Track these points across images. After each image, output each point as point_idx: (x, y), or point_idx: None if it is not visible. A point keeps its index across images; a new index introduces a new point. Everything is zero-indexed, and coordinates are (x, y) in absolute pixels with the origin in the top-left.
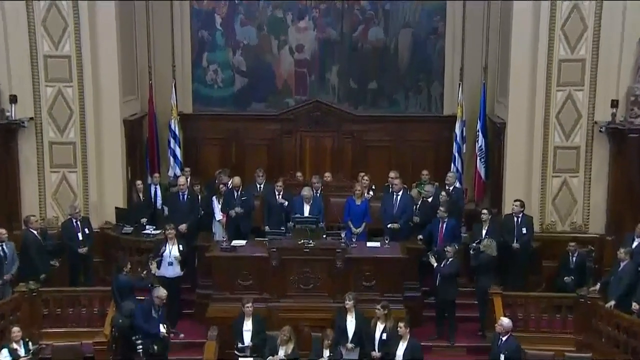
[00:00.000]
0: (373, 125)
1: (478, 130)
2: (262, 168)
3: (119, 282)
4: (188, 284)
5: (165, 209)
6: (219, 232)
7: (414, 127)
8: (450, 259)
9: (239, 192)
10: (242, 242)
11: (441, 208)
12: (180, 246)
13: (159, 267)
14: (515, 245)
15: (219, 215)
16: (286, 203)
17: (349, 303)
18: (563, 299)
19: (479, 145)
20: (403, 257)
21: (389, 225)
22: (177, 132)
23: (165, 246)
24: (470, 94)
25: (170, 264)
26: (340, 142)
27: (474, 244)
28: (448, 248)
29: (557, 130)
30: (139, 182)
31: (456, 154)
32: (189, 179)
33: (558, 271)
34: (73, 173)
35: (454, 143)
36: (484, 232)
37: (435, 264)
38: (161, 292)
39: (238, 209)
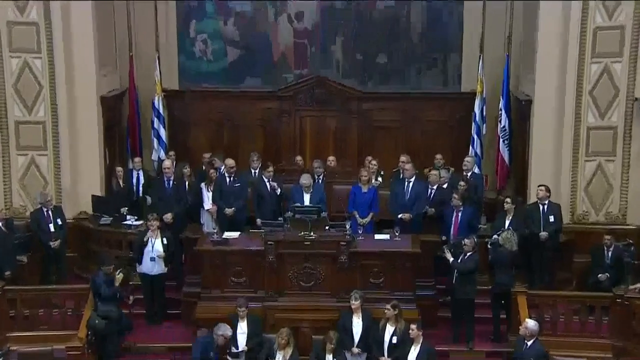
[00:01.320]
0: (382, 104)
1: (500, 109)
2: (258, 152)
3: (96, 285)
4: (174, 282)
5: (148, 197)
6: (208, 223)
7: (427, 105)
8: (468, 254)
9: (232, 178)
10: (235, 234)
11: (455, 196)
12: (165, 239)
13: (140, 262)
14: (543, 234)
15: (208, 204)
16: (279, 190)
17: (354, 302)
18: (597, 298)
19: (502, 125)
20: (415, 251)
21: (399, 216)
22: (161, 111)
23: (148, 239)
24: (491, 68)
25: (153, 259)
26: (345, 122)
27: (492, 237)
28: (466, 241)
29: (591, 108)
30: (118, 168)
31: (475, 136)
32: (174, 163)
33: (591, 267)
34: (43, 156)
35: (473, 123)
36: (507, 223)
37: (451, 259)
38: (227, 331)
39: (233, 209)
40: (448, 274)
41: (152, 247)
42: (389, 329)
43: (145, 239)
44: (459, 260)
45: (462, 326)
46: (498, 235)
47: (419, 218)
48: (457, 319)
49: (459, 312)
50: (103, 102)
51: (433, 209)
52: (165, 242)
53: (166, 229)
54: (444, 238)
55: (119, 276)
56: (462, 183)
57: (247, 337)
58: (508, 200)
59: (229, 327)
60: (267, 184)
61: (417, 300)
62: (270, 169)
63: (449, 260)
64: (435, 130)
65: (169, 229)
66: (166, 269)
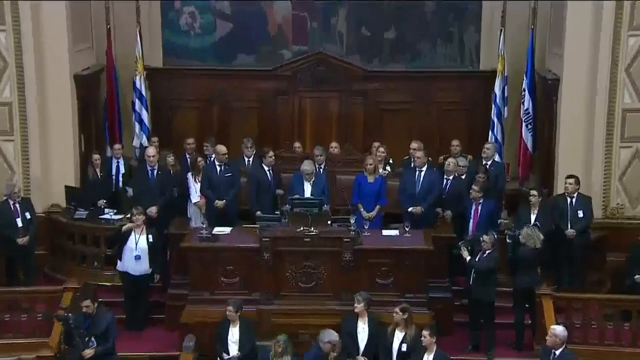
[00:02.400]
0: (390, 84)
1: (524, 89)
2: (252, 138)
3: (68, 326)
4: (158, 282)
5: (129, 188)
6: (196, 217)
7: (442, 85)
8: (488, 251)
9: (223, 167)
10: (226, 230)
11: (474, 187)
12: (150, 236)
13: (120, 258)
14: (570, 231)
15: (195, 196)
16: (282, 192)
17: (359, 306)
18: (634, 302)
19: (525, 108)
20: (428, 248)
21: (409, 209)
22: (143, 92)
23: (131, 235)
24: (514, 43)
25: (138, 257)
26: (349, 104)
27: (512, 233)
28: (485, 237)
29: (627, 88)
30: (95, 155)
31: (495, 120)
32: (158, 151)
33: (627, 267)
34: (9, 142)
35: (493, 105)
36: (532, 217)
37: (468, 257)
38: (333, 337)
39: (224, 202)
40: (465, 274)
41: (136, 244)
42: (398, 336)
43: (124, 233)
44: (477, 259)
45: (480, 333)
46: (517, 231)
47: (431, 212)
48: (475, 324)
49: (477, 316)
50: (77, 81)
51: (450, 212)
52: (150, 239)
53: (151, 225)
54: (455, 236)
55: (88, 309)
56: (481, 174)
57: (239, 344)
58: (534, 193)
59: (334, 332)
60: (267, 173)
61: (430, 303)
62: (271, 154)
63: (465, 259)
64: (450, 114)
65: (153, 224)
66: (151, 269)
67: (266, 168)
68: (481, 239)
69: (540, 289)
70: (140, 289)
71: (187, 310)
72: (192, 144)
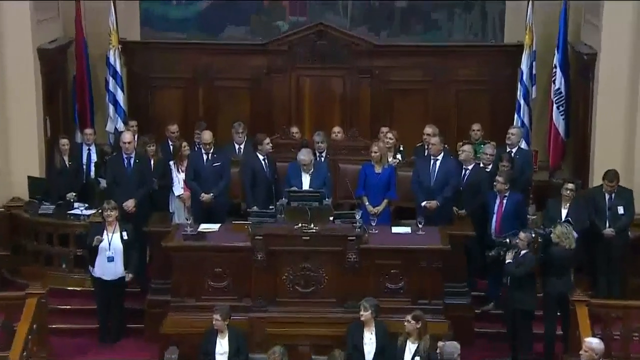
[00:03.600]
0: (402, 60)
1: (555, 66)
2: (243, 122)
3: None
4: (136, 287)
5: (102, 179)
6: (179, 213)
7: (460, 61)
8: (523, 252)
9: (210, 155)
10: (214, 227)
11: (499, 178)
12: (125, 233)
13: (93, 264)
14: (608, 230)
15: (179, 188)
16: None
17: (366, 313)
18: None
19: (557, 87)
20: (444, 247)
21: (423, 203)
22: (118, 69)
23: (104, 234)
24: (544, 12)
25: (111, 259)
26: (354, 84)
27: (543, 231)
28: (522, 235)
29: None
30: (63, 140)
31: (522, 101)
32: (136, 136)
33: None
34: None
35: (519, 85)
36: (563, 213)
37: (509, 260)
38: None
39: (211, 195)
40: (488, 277)
41: (110, 243)
42: (410, 347)
43: (100, 235)
44: (511, 261)
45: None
46: (548, 229)
47: (448, 206)
48: (513, 336)
49: (514, 326)
50: (41, 56)
51: (464, 211)
52: (125, 236)
53: (126, 221)
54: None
55: None
56: (505, 162)
57: (228, 357)
58: (570, 186)
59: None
60: (263, 162)
61: (447, 310)
62: (268, 140)
63: (497, 260)
64: (470, 94)
65: (130, 219)
66: (126, 271)
67: (261, 157)
68: (518, 237)
69: (574, 294)
70: (116, 295)
71: (169, 318)
72: (176, 132)
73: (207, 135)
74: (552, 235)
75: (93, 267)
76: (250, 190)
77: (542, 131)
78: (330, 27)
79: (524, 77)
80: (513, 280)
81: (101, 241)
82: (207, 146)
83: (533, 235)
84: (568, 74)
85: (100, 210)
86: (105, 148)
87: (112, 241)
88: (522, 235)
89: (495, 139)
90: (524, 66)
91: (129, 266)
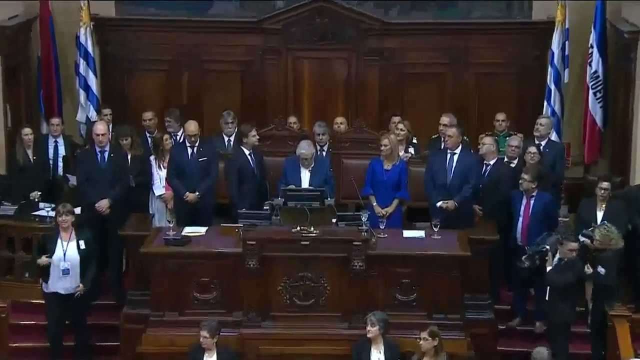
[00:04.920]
0: (415, 40)
1: (591, 46)
2: (233, 111)
3: None
4: (109, 299)
5: (71, 176)
6: (161, 214)
7: (482, 41)
8: (565, 259)
9: (195, 149)
10: (200, 230)
11: (525, 175)
12: (82, 242)
13: (46, 279)
14: None
15: (160, 187)
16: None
17: (373, 329)
18: None
19: (593, 70)
20: (463, 254)
21: (438, 204)
22: (90, 50)
23: (57, 242)
24: None
25: (66, 272)
26: (360, 67)
27: (580, 235)
28: (572, 245)
29: None
30: (26, 130)
31: (553, 86)
32: (110, 127)
33: None
34: None
35: (550, 67)
36: (599, 215)
37: (549, 267)
38: None
39: (197, 195)
40: (514, 288)
41: (64, 253)
42: None
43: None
44: (551, 269)
45: None
46: (585, 233)
47: (467, 207)
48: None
49: (554, 341)
50: (0, 34)
51: (479, 207)
52: (83, 245)
53: (85, 227)
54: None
55: None
56: (532, 148)
57: None
58: (604, 185)
59: None
60: (249, 157)
61: (467, 326)
62: (253, 132)
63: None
64: (493, 79)
65: (98, 224)
66: (87, 285)
67: (247, 151)
68: (559, 241)
69: (614, 308)
70: (77, 311)
71: (147, 335)
72: (152, 119)
73: (192, 126)
74: (595, 235)
75: (46, 281)
76: (237, 190)
77: (575, 121)
78: (332, 3)
79: (555, 59)
80: (552, 290)
81: (48, 262)
82: (192, 138)
83: (582, 241)
84: (606, 55)
85: (54, 216)
86: (75, 140)
87: (68, 251)
88: (573, 245)
89: (522, 130)
90: (555, 46)
91: (83, 279)
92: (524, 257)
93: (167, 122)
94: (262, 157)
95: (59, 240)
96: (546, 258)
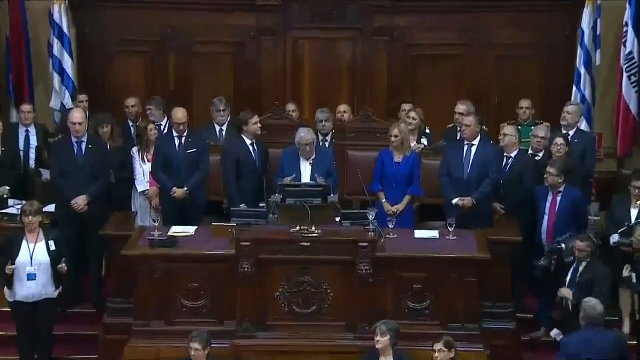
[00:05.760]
0: (429, 18)
1: (626, 24)
2: (225, 97)
3: None
4: (87, 307)
5: (45, 170)
6: (144, 212)
7: (503, 20)
8: (584, 263)
9: (184, 140)
10: (189, 230)
11: (550, 169)
12: (52, 243)
13: (10, 285)
14: None
15: (143, 182)
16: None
17: (383, 340)
18: None
19: (628, 51)
20: (482, 257)
21: (455, 201)
22: (65, 29)
23: (22, 244)
24: None
25: (32, 277)
26: (367, 49)
27: (613, 237)
28: (581, 244)
29: None
30: None
31: (582, 70)
32: (88, 115)
33: None
34: None
35: (579, 49)
36: (633, 214)
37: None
38: None
39: (185, 190)
40: (538, 295)
41: (31, 257)
42: None
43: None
44: (573, 276)
45: None
46: (625, 233)
47: (487, 204)
48: None
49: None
50: None
51: (500, 206)
52: (52, 247)
53: (53, 228)
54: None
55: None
56: (559, 139)
57: None
58: (638, 184)
59: None
60: (251, 147)
61: (486, 337)
62: (255, 120)
63: (541, 272)
64: (516, 62)
65: (82, 221)
66: (57, 291)
67: (248, 141)
68: (583, 242)
69: None
70: (43, 321)
71: (130, 347)
72: (135, 106)
73: (180, 113)
74: (634, 238)
75: (10, 288)
76: (235, 184)
77: (608, 108)
78: None
79: (586, 39)
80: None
81: (12, 270)
82: (181, 127)
83: (595, 241)
84: None
85: (19, 216)
86: (49, 129)
87: (35, 255)
88: (581, 244)
89: (548, 119)
90: (585, 25)
91: (56, 281)
92: (542, 258)
93: (149, 109)
94: (266, 148)
95: (24, 243)
96: (566, 260)
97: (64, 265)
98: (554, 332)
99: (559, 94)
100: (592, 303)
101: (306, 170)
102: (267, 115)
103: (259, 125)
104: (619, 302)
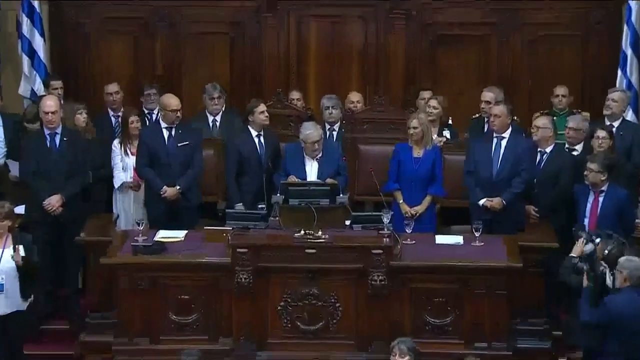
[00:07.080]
0: None
1: None
2: (220, 84)
3: None
4: (62, 323)
5: (13, 164)
6: (127, 214)
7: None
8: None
9: (174, 131)
10: (178, 235)
11: (591, 165)
12: (21, 248)
13: None
14: None
15: (127, 178)
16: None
17: (400, 359)
18: None
19: None
20: (513, 265)
21: (481, 202)
22: (36, 6)
23: None
24: None
25: (0, 288)
26: (382, 30)
27: None
28: (610, 248)
29: None
30: None
31: (629, 51)
32: (62, 103)
33: None
34: None
35: (625, 27)
36: None
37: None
38: None
39: (177, 189)
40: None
41: None
42: None
43: None
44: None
45: None
46: None
47: (519, 206)
48: None
49: None
50: None
51: (533, 208)
52: (22, 252)
53: (22, 232)
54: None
55: None
56: (601, 132)
57: None
58: None
59: None
60: (257, 140)
61: (518, 357)
62: (262, 108)
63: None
64: (551, 44)
65: (53, 226)
66: (25, 303)
67: (254, 132)
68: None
69: None
70: (12, 336)
71: None
72: (117, 92)
73: (174, 100)
74: None
75: None
76: (235, 183)
77: None
78: None
79: (634, 16)
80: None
81: None
82: (178, 115)
83: (624, 242)
84: None
85: None
86: (19, 119)
87: (1, 262)
88: (610, 248)
89: (588, 109)
90: (632, 2)
91: (24, 291)
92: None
93: (147, 95)
94: (277, 141)
95: None
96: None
97: (19, 252)
98: None
99: (601, 80)
100: (637, 262)
101: (312, 170)
102: (268, 104)
103: (266, 114)
104: None
